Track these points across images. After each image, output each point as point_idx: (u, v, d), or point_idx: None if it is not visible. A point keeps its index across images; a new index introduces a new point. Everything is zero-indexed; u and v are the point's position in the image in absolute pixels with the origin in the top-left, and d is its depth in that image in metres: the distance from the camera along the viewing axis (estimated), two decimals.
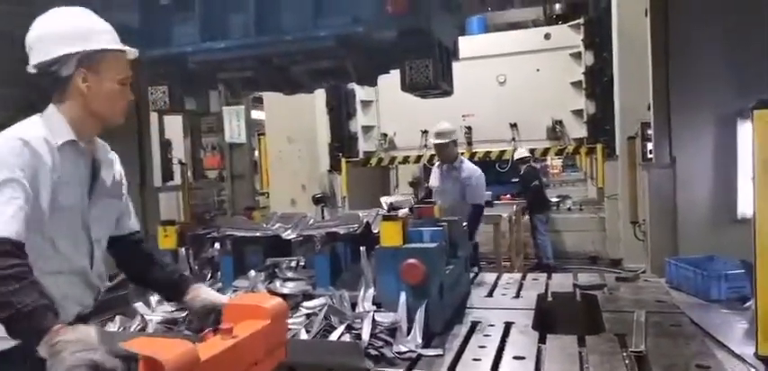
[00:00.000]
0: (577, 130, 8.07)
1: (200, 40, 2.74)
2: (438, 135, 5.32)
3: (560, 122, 8.01)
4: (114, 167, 2.06)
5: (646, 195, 4.44)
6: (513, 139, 8.25)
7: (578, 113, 8.02)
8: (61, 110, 1.82)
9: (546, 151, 8.53)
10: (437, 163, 5.76)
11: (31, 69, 1.82)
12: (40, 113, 1.84)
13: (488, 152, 8.41)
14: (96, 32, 1.85)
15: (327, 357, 2.15)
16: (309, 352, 2.16)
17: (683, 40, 3.85)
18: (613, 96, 7.39)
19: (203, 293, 2.07)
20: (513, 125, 8.21)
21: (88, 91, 1.81)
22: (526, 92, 8.09)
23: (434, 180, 5.67)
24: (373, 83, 3.24)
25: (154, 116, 6.46)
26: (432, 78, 2.65)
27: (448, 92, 3.02)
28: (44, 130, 1.76)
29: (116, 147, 2.06)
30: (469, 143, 8.29)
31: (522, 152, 8.25)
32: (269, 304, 1.64)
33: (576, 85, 8.00)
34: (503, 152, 8.40)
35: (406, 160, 8.83)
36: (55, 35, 1.79)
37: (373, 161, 8.87)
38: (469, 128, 8.23)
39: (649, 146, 5.31)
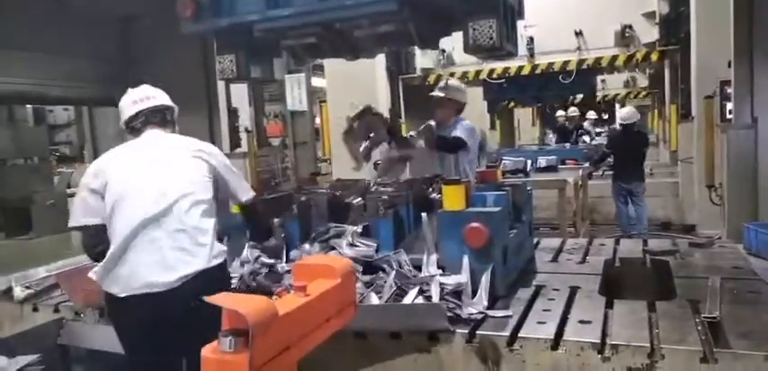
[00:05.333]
0: (648, 32, 7.44)
1: (265, 7, 2.81)
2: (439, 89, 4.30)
3: (630, 27, 7.43)
4: None
5: (724, 158, 4.20)
6: (579, 48, 7.72)
7: (650, 15, 7.40)
8: None
9: (614, 59, 7.85)
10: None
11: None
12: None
13: (551, 63, 7.95)
14: None
15: (408, 320, 2.20)
16: (388, 317, 2.22)
17: None
18: (690, 49, 6.94)
19: None
20: (579, 33, 7.66)
21: None
22: None
23: None
24: (435, 46, 3.22)
25: (220, 85, 6.68)
26: (496, 39, 2.57)
27: (512, 53, 2.94)
28: None
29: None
30: (532, 55, 7.84)
31: (629, 111, 7.66)
32: (339, 264, 1.71)
33: None
34: (566, 63, 7.90)
35: None
36: None
37: None
38: (531, 38, 7.74)
39: (728, 106, 5.00)
